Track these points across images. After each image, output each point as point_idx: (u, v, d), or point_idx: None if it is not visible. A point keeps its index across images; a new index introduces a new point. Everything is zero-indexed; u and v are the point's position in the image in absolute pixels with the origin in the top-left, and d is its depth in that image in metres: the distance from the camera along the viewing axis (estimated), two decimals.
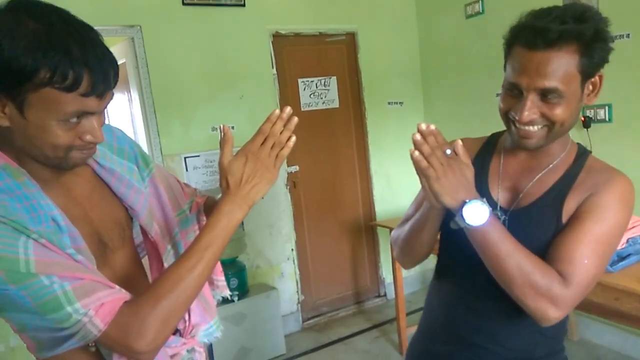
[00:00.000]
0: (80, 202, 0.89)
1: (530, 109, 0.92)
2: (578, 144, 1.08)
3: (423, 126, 0.91)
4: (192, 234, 1.11)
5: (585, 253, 0.91)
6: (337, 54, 3.68)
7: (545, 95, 0.91)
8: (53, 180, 0.84)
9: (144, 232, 1.02)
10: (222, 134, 0.89)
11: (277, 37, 3.40)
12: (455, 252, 1.03)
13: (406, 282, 3.65)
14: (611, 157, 2.93)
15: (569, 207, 0.97)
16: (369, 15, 3.71)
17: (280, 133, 0.91)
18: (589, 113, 2.73)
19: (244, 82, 3.27)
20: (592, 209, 0.94)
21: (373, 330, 3.50)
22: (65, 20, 0.73)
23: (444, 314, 1.12)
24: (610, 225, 0.93)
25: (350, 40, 3.70)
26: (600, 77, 0.95)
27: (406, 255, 1.16)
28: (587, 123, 2.72)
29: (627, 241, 1.91)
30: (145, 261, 1.07)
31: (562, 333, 1.08)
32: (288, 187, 3.51)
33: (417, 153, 0.90)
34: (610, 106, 2.64)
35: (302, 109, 3.55)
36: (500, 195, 1.06)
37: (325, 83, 3.63)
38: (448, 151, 0.91)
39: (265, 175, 0.89)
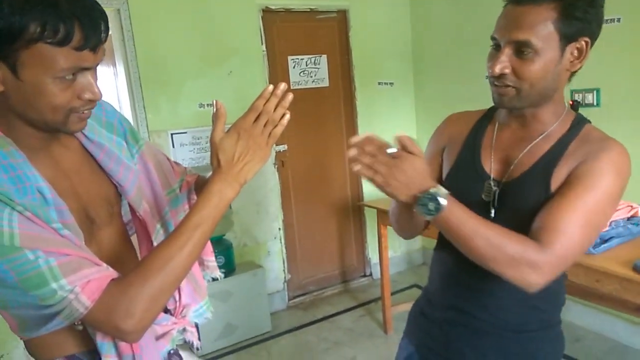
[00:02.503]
0: (68, 176, 0.86)
1: (503, 62, 0.93)
2: (577, 113, 1.06)
3: (355, 139, 0.90)
4: (182, 214, 1.09)
5: (572, 221, 0.89)
6: (328, 32, 3.63)
7: (521, 50, 0.92)
8: (41, 151, 0.82)
9: (132, 209, 1.00)
10: (215, 109, 0.86)
11: (266, 13, 3.34)
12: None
13: (392, 262, 3.69)
14: None
15: (558, 175, 0.96)
16: None
17: (274, 110, 0.87)
18: (577, 97, 2.73)
19: (233, 58, 3.22)
20: (584, 175, 0.92)
21: (358, 308, 3.54)
22: None
23: (442, 284, 1.15)
24: (602, 193, 0.91)
25: (341, 18, 3.64)
26: (587, 43, 0.94)
27: (400, 231, 1.20)
28: (575, 107, 2.71)
29: (610, 224, 1.94)
30: (134, 240, 1.05)
31: (557, 306, 1.09)
32: (276, 166, 3.50)
33: (357, 167, 0.89)
34: (598, 91, 2.65)
35: (292, 87, 3.51)
36: (493, 166, 1.05)
37: (316, 61, 3.59)
38: (390, 150, 0.89)
39: (258, 153, 0.86)
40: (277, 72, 3.44)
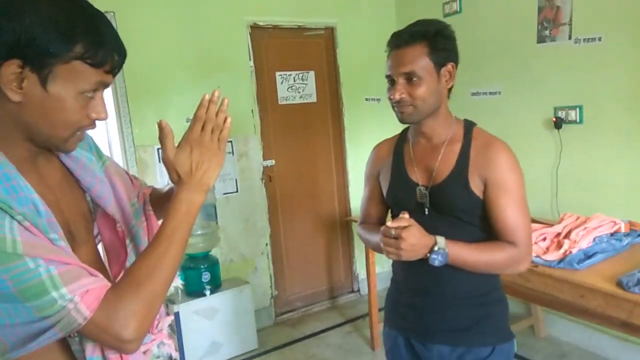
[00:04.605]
0: (53, 190, 0.86)
1: (400, 90, 1.27)
2: (464, 119, 1.38)
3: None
4: (143, 224, 1.10)
5: (514, 218, 1.26)
6: (316, 48, 3.66)
7: (410, 79, 1.26)
8: (29, 164, 0.83)
9: (103, 225, 0.99)
10: (160, 129, 0.89)
11: (255, 29, 3.36)
12: None
13: (379, 278, 3.67)
14: (582, 158, 2.98)
15: (473, 179, 1.28)
16: (348, 9, 3.70)
17: (216, 116, 0.91)
18: (561, 114, 2.78)
19: (221, 74, 3.22)
20: (498, 185, 1.26)
21: (346, 325, 3.51)
22: (88, 2, 0.79)
23: (406, 273, 1.42)
24: (515, 189, 1.26)
25: (329, 35, 3.68)
26: (453, 66, 1.30)
27: (374, 250, 1.55)
28: (558, 124, 2.77)
29: (594, 240, 1.96)
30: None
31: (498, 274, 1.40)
32: (263, 181, 3.48)
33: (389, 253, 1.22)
34: (581, 107, 2.70)
35: (280, 103, 3.52)
36: (418, 175, 1.37)
37: (303, 77, 3.61)
38: (392, 232, 1.18)
39: (213, 159, 0.89)
40: (265, 88, 3.45)
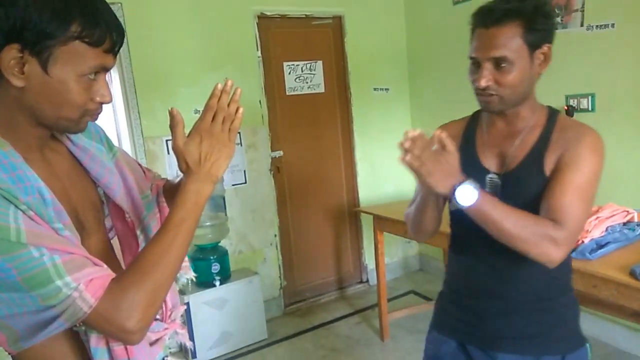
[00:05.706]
0: (60, 179, 0.87)
1: (486, 77, 1.11)
2: (548, 106, 1.23)
3: (411, 134, 1.03)
4: (156, 217, 1.10)
5: (570, 199, 1.07)
6: (324, 38, 3.63)
7: (498, 64, 1.09)
8: (36, 153, 0.83)
9: (115, 215, 1.00)
10: (171, 117, 0.87)
11: (262, 19, 3.34)
12: (468, 224, 1.11)
13: (388, 268, 3.68)
14: None
15: (549, 162, 1.13)
16: None
17: (228, 106, 0.89)
18: (572, 102, 2.74)
19: (228, 64, 3.21)
20: (570, 161, 1.10)
21: (355, 315, 3.52)
22: None
23: (466, 273, 1.29)
24: (587, 172, 1.10)
25: (336, 24, 3.65)
26: (549, 48, 1.12)
27: (417, 232, 1.32)
28: (570, 112, 2.74)
29: (606, 229, 1.94)
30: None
31: (569, 273, 1.26)
32: (272, 172, 3.48)
33: (408, 157, 1.03)
34: (593, 96, 2.66)
35: (287, 93, 3.51)
36: (491, 162, 1.22)
37: (311, 67, 3.59)
38: (434, 147, 1.03)
39: (223, 150, 0.87)
40: (273, 78, 3.43)
